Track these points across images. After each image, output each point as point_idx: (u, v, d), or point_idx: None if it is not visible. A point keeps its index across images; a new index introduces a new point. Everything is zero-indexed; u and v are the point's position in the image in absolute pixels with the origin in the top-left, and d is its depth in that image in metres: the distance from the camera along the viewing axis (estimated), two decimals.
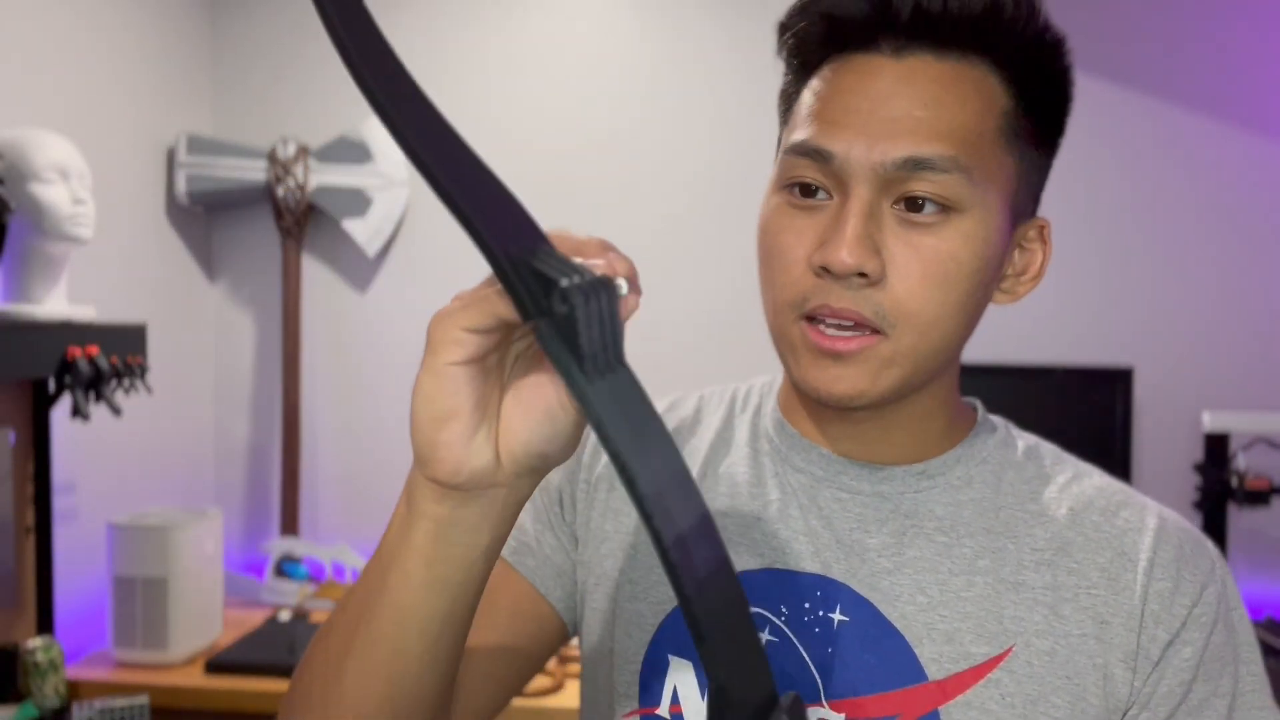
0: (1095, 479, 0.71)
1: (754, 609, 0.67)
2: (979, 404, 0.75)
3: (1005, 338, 2.29)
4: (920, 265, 0.61)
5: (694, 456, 0.75)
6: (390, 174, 2.43)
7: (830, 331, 0.62)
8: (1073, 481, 0.70)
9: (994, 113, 0.62)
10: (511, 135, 2.46)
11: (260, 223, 2.51)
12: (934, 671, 0.64)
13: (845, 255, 0.59)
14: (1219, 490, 2.12)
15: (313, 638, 0.61)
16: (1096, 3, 2.35)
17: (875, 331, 0.61)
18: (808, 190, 0.63)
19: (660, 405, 0.79)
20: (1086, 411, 2.21)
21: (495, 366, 0.47)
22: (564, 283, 0.37)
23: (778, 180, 0.65)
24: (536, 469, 0.48)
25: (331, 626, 0.59)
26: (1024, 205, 0.66)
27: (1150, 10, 2.34)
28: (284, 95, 2.52)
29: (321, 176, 2.41)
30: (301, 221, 2.43)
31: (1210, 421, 2.14)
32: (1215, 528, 2.12)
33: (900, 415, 0.68)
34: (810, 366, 0.63)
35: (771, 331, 0.66)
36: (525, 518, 0.75)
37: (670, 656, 0.69)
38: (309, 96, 2.51)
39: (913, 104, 0.61)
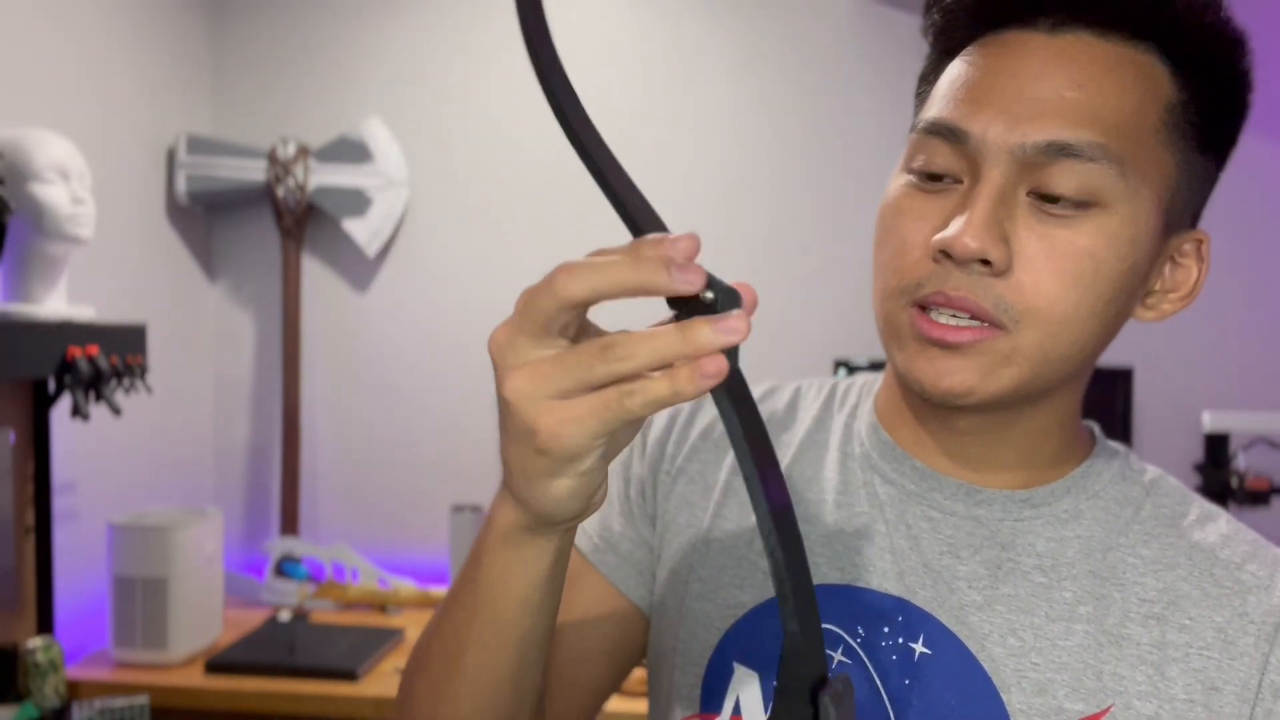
0: (1221, 525, 0.64)
1: (828, 625, 0.62)
2: (1097, 428, 0.70)
3: None
4: (1052, 259, 0.55)
5: (783, 452, 0.70)
6: (390, 174, 2.43)
7: (943, 320, 0.57)
8: (1195, 525, 0.63)
9: (1157, 104, 0.57)
10: (512, 136, 2.46)
11: (260, 223, 2.51)
12: None
13: (969, 239, 0.54)
14: (1219, 490, 2.12)
15: (404, 678, 0.65)
16: None
17: (995, 325, 0.56)
18: (936, 176, 0.58)
19: (756, 392, 0.74)
20: (1086, 411, 2.20)
21: None
22: (708, 295, 0.39)
23: (906, 160, 0.60)
24: None
25: (426, 662, 0.61)
26: (1181, 213, 0.60)
27: None
28: (284, 95, 2.52)
29: (321, 176, 2.41)
30: (301, 221, 2.43)
31: (1210, 421, 2.14)
32: None
33: (1010, 429, 0.62)
34: (917, 356, 0.58)
35: (878, 319, 0.61)
36: (609, 510, 0.73)
37: (736, 664, 0.64)
38: (309, 96, 2.51)
39: (1064, 84, 0.55)
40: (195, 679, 1.85)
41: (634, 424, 0.44)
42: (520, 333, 0.42)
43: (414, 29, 2.49)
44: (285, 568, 2.35)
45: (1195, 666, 0.58)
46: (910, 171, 0.60)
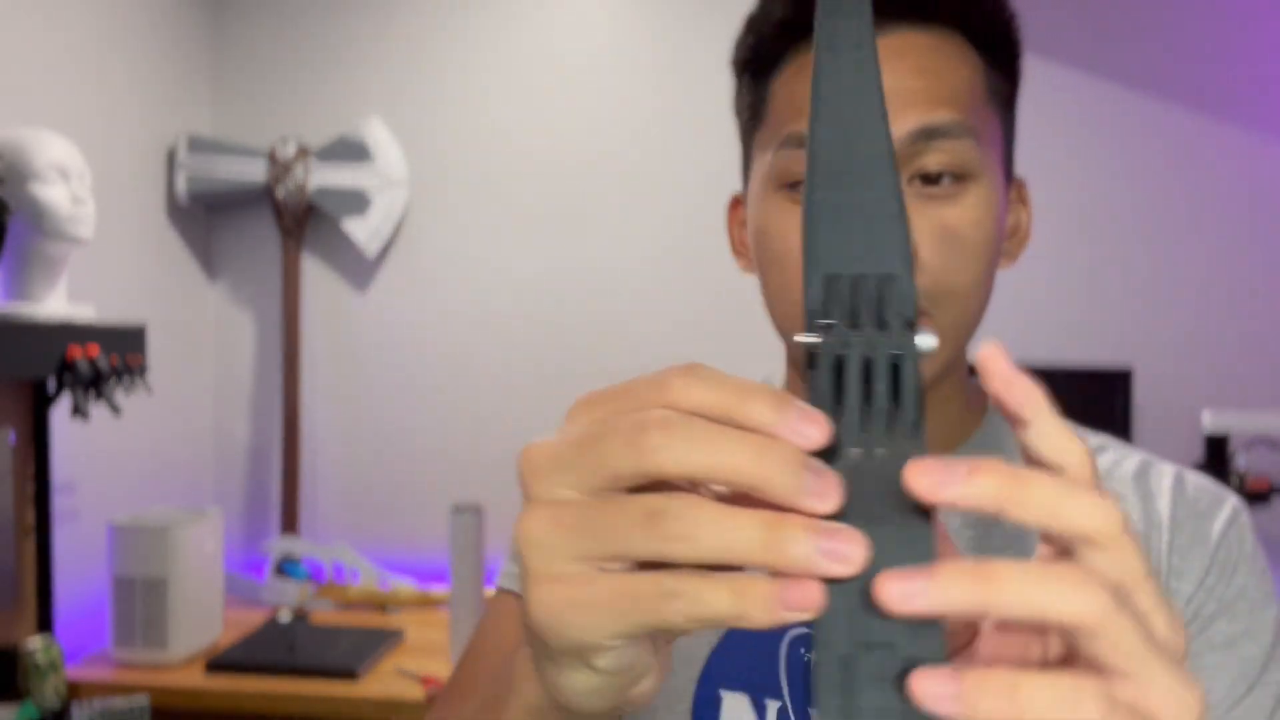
0: (1111, 453, 0.69)
1: (801, 630, 0.63)
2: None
3: (1006, 338, 2.29)
4: (947, 238, 0.59)
5: None
6: (390, 174, 2.43)
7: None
8: (1095, 452, 0.69)
9: (978, 77, 0.62)
10: (512, 136, 2.46)
11: (260, 223, 2.51)
12: None
13: None
14: None
15: None
16: (1098, 3, 2.35)
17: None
18: None
19: None
20: (1086, 411, 2.21)
21: None
22: (835, 318, 0.31)
23: (774, 179, 0.62)
24: None
25: None
26: (1010, 166, 0.66)
27: (1152, 10, 2.34)
28: (284, 95, 2.52)
29: (321, 176, 2.41)
30: (301, 221, 2.43)
31: (1210, 421, 2.14)
32: None
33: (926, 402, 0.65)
34: None
35: (791, 334, 0.63)
36: None
37: (721, 691, 0.64)
38: (309, 96, 2.51)
39: (909, 76, 0.59)
40: (195, 679, 1.85)
41: (669, 633, 0.30)
42: (564, 469, 0.31)
43: (414, 29, 2.49)
44: (285, 568, 2.35)
45: None
46: (787, 188, 0.61)
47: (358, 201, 2.42)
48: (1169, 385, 2.33)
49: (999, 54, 0.64)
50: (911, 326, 0.30)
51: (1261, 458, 2.18)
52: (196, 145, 2.37)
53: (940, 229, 0.59)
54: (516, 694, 0.39)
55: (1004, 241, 0.65)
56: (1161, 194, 2.35)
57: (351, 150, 2.42)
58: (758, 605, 0.28)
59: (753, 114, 0.66)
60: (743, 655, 0.64)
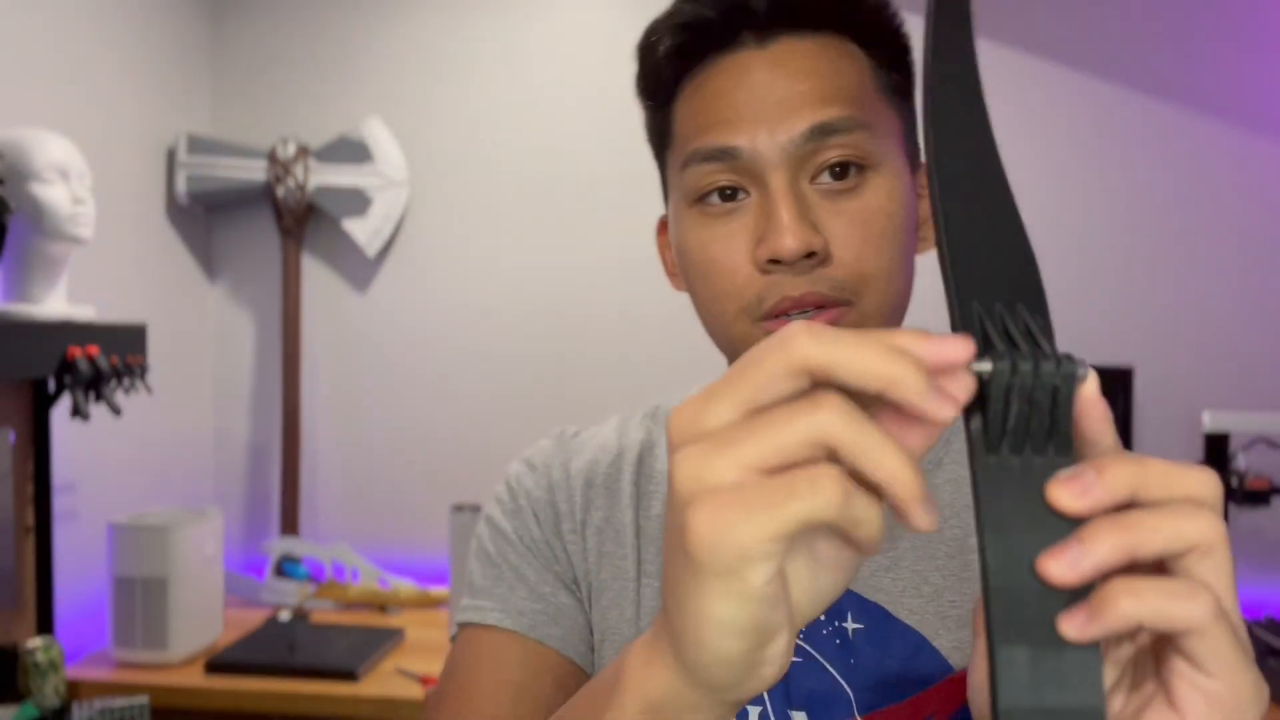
0: None
1: None
2: None
3: None
4: (858, 228, 0.61)
5: (665, 481, 0.70)
6: (390, 174, 2.43)
7: (796, 319, 0.60)
8: None
9: (866, 73, 0.64)
10: (512, 136, 2.46)
11: (260, 223, 2.51)
12: (958, 660, 0.62)
13: (790, 240, 0.59)
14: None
15: None
16: (1100, 4, 2.35)
17: (840, 304, 0.61)
18: (725, 194, 0.62)
19: (608, 431, 0.77)
20: None
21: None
22: (998, 345, 0.33)
23: (687, 196, 0.65)
24: None
25: None
26: (914, 154, 0.68)
27: (1153, 11, 2.34)
28: (284, 95, 2.52)
29: (321, 176, 2.41)
30: (301, 221, 2.43)
31: (1210, 421, 2.14)
32: None
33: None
34: None
35: (727, 342, 0.65)
36: (534, 584, 0.70)
37: None
38: (309, 96, 2.51)
39: (794, 80, 0.62)
40: (195, 679, 1.85)
41: (831, 522, 0.32)
42: (718, 399, 0.33)
43: (414, 29, 2.49)
44: (285, 568, 2.35)
45: None
46: (699, 203, 0.64)
47: (358, 201, 2.42)
48: (1169, 385, 2.33)
49: (884, 50, 0.65)
50: (1069, 357, 0.34)
51: (1261, 458, 2.18)
52: (196, 145, 2.37)
53: (848, 220, 0.61)
54: (633, 694, 0.38)
55: (919, 228, 0.67)
56: (1162, 194, 2.35)
57: (351, 150, 2.42)
58: (876, 518, 0.32)
59: (661, 139, 0.69)
60: None
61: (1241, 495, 2.09)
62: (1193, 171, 2.34)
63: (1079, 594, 0.32)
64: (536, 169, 2.45)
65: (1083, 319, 2.36)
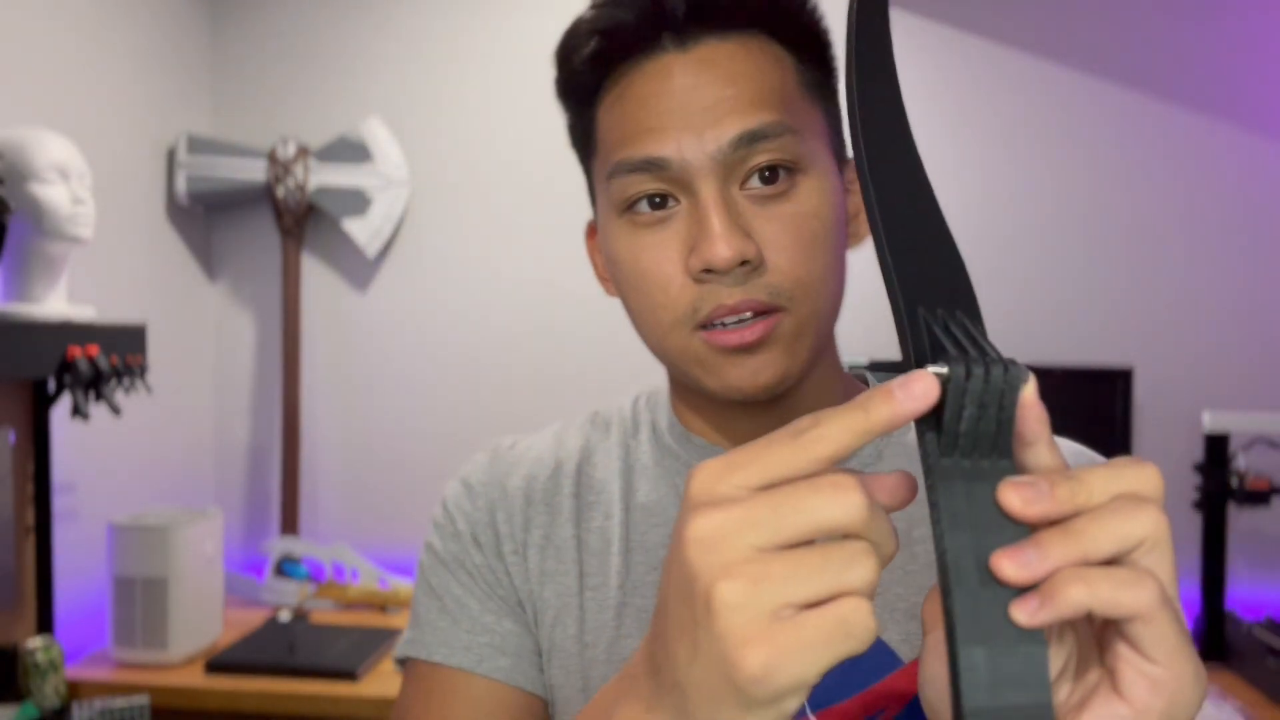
0: None
1: None
2: (868, 374, 0.73)
3: (1005, 338, 2.29)
4: (790, 233, 0.60)
5: (609, 490, 0.72)
6: (390, 174, 2.43)
7: (731, 326, 0.60)
8: None
9: (788, 74, 0.63)
10: (512, 136, 2.46)
11: (260, 223, 2.51)
12: (907, 652, 0.62)
13: (723, 249, 0.58)
14: (1219, 490, 2.12)
15: None
16: (1100, 4, 2.35)
17: (775, 311, 0.61)
18: (654, 202, 0.62)
19: (542, 442, 0.76)
20: (1086, 411, 2.21)
21: None
22: (951, 352, 0.35)
23: (615, 206, 0.64)
24: None
25: None
26: (840, 150, 0.67)
27: (1153, 11, 2.34)
28: (284, 95, 2.52)
29: (321, 176, 2.41)
30: (301, 221, 2.43)
31: (1210, 421, 2.14)
32: (1215, 528, 2.12)
33: (796, 400, 0.66)
34: (728, 369, 0.61)
35: (664, 353, 0.65)
36: (477, 615, 0.70)
37: None
38: (309, 96, 2.51)
39: (719, 85, 0.61)
40: (195, 679, 1.85)
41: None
42: (753, 528, 0.34)
43: (414, 29, 2.49)
44: (285, 568, 2.35)
45: None
46: (628, 211, 0.63)
47: (358, 201, 2.42)
48: (1169, 385, 2.33)
49: (807, 48, 0.65)
50: (1013, 362, 0.35)
51: (1261, 458, 2.18)
52: (196, 145, 2.37)
53: (780, 225, 0.60)
54: None
55: (848, 225, 0.66)
56: (1162, 194, 2.35)
57: (351, 150, 2.42)
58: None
59: (585, 144, 0.68)
60: None
61: (1241, 495, 2.08)
62: (1193, 171, 2.34)
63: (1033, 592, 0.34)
64: (536, 169, 2.45)
65: (1083, 319, 2.36)
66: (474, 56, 2.48)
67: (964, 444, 0.35)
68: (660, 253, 0.62)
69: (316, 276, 2.51)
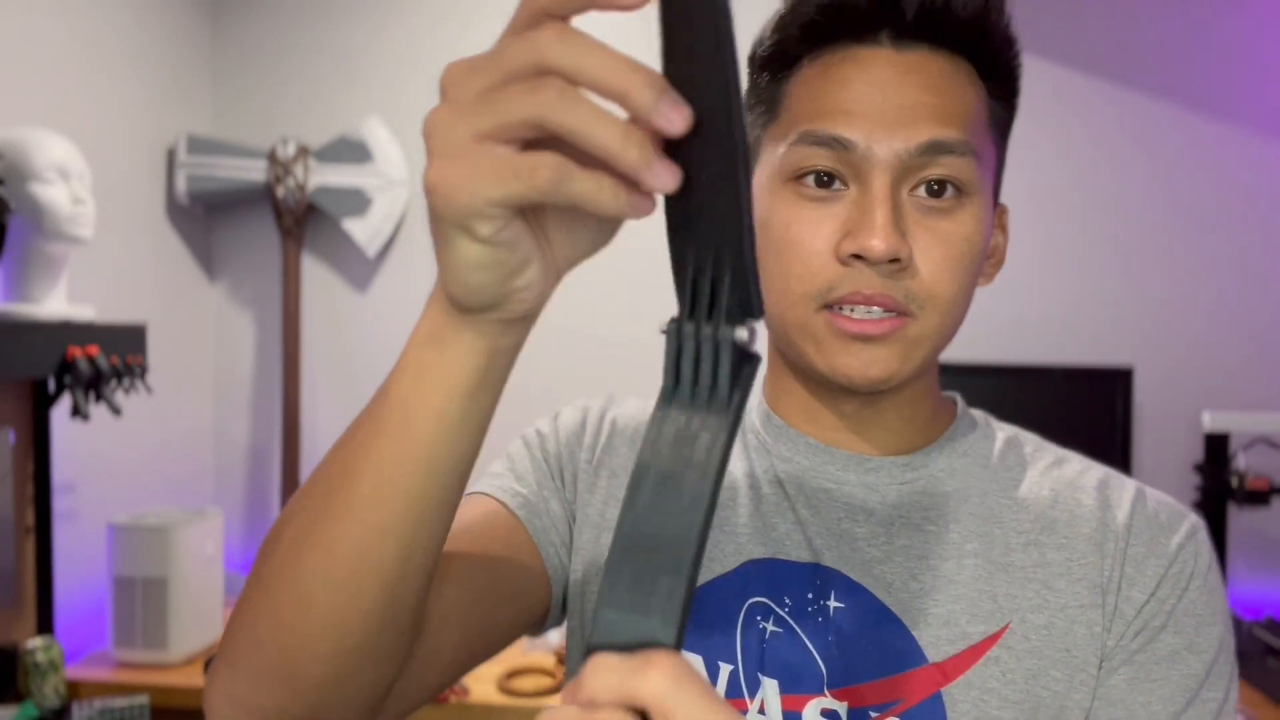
0: (1075, 464, 0.72)
1: (759, 599, 0.67)
2: (959, 397, 0.77)
3: (1005, 338, 2.29)
4: (942, 248, 0.62)
5: None
6: (390, 174, 2.43)
7: (859, 314, 0.62)
8: (1053, 467, 0.72)
9: (982, 104, 0.65)
10: None
11: (260, 223, 2.51)
12: (934, 654, 0.64)
13: (879, 242, 0.60)
14: (1219, 490, 2.12)
15: (265, 544, 0.53)
16: (1100, 4, 2.35)
17: (904, 314, 0.62)
18: (822, 179, 0.63)
19: (628, 407, 0.79)
20: (1086, 411, 2.21)
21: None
22: (684, 312, 0.38)
23: (783, 172, 0.65)
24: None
25: (301, 504, 0.51)
26: (998, 192, 0.70)
27: (1153, 11, 2.34)
28: (284, 95, 2.52)
29: (321, 176, 2.41)
30: (301, 221, 2.43)
31: (1210, 421, 2.14)
32: (1215, 528, 2.12)
33: (892, 401, 0.69)
34: (840, 353, 0.63)
35: (783, 323, 0.66)
36: (530, 479, 0.74)
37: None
38: (309, 96, 2.51)
39: (923, 92, 0.62)
40: (195, 679, 1.85)
41: (548, 200, 0.37)
42: (478, 73, 0.37)
43: (414, 29, 2.49)
44: None
45: (1079, 576, 0.66)
46: (794, 181, 0.64)
47: (358, 201, 2.42)
48: (1169, 385, 2.33)
49: (1002, 85, 0.67)
50: (735, 321, 0.37)
51: (1261, 458, 2.18)
52: (196, 145, 2.37)
53: (936, 239, 0.62)
54: (417, 331, 0.46)
55: (985, 261, 0.68)
56: (1162, 194, 2.35)
57: (351, 150, 2.42)
58: (607, 192, 0.36)
59: (767, 109, 0.68)
60: (703, 619, 0.68)
61: (1242, 495, 2.09)
62: (1193, 171, 2.34)
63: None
64: None
65: (1083, 319, 2.36)
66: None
67: (683, 395, 0.38)
68: (815, 228, 0.63)
69: (316, 276, 2.51)
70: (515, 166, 0.36)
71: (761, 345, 0.68)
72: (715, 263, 0.38)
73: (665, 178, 0.36)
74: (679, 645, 0.36)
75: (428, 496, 0.48)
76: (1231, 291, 2.33)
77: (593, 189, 0.36)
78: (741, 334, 0.38)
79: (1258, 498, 2.08)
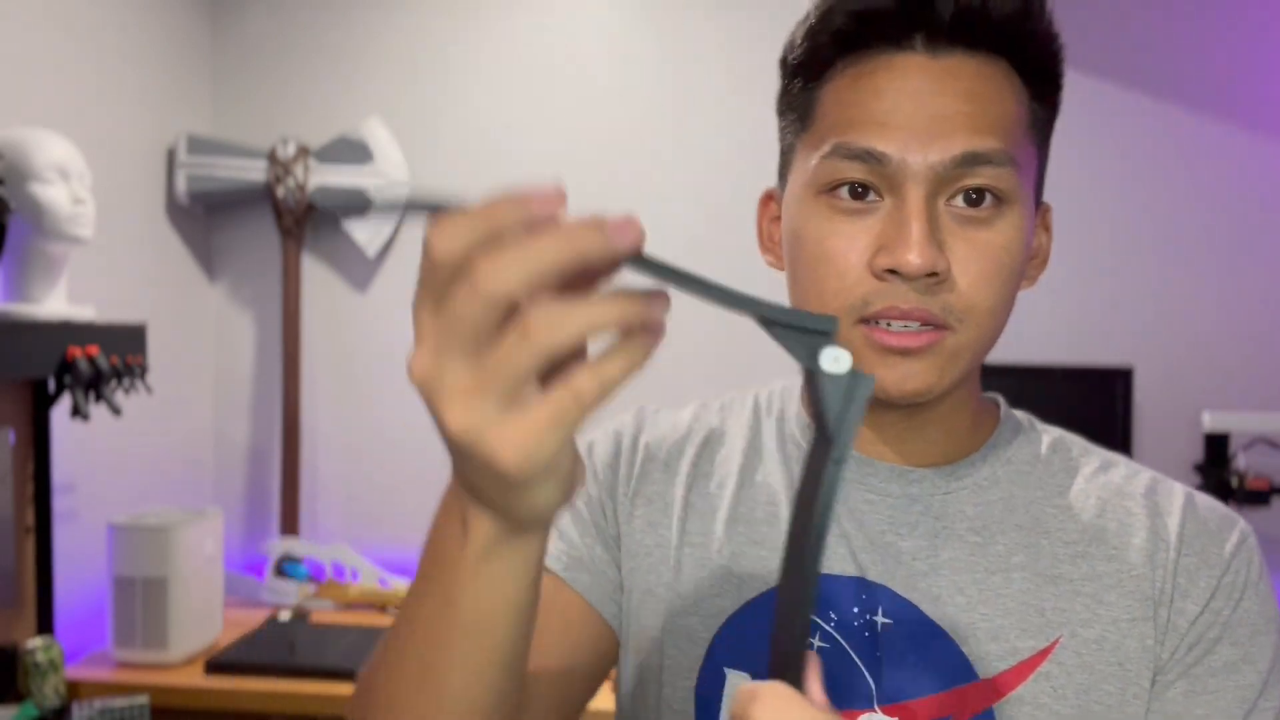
0: (1122, 468, 0.71)
1: None
2: (1001, 399, 0.76)
3: (1005, 337, 2.29)
4: (981, 260, 0.61)
5: (728, 465, 0.74)
6: (390, 174, 2.43)
7: (896, 328, 0.61)
8: (1099, 471, 0.70)
9: (1022, 107, 0.64)
10: (511, 137, 2.46)
11: (260, 223, 2.51)
12: (983, 670, 0.63)
13: (915, 257, 0.58)
14: (1219, 490, 2.12)
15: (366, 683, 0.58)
16: (1101, 3, 2.35)
17: (942, 327, 0.61)
18: (856, 191, 0.62)
19: (685, 414, 0.79)
20: (1086, 411, 2.21)
21: None
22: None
23: (815, 184, 0.63)
24: None
25: (393, 696, 0.55)
26: (1040, 192, 0.68)
27: (1153, 10, 2.34)
28: (284, 95, 2.52)
29: (321, 176, 2.41)
30: (301, 221, 2.43)
31: (1210, 421, 2.14)
32: None
33: (933, 413, 0.68)
34: (878, 366, 0.62)
35: None
36: (571, 531, 0.73)
37: (726, 669, 0.68)
38: (309, 96, 2.51)
39: (958, 100, 0.61)
40: (195, 679, 1.85)
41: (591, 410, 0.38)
42: (445, 352, 0.37)
43: (414, 29, 2.49)
44: (285, 568, 2.35)
45: (1131, 589, 0.65)
46: (827, 193, 0.63)
47: (358, 201, 2.42)
48: (1169, 385, 2.33)
49: (1044, 85, 0.66)
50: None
51: (1261, 458, 2.18)
52: (196, 145, 2.37)
53: (975, 250, 0.61)
54: (459, 543, 0.45)
55: (1027, 264, 0.67)
56: (1162, 194, 2.35)
57: (351, 150, 2.42)
58: (634, 353, 0.37)
59: (799, 116, 0.67)
60: (746, 637, 0.67)
61: (1242, 495, 2.09)
62: (1193, 171, 2.34)
63: None
64: (536, 169, 2.45)
65: (1083, 319, 2.36)
66: (474, 56, 2.48)
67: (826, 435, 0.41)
68: (849, 241, 0.62)
69: (316, 276, 2.51)
70: (562, 402, 0.36)
71: None
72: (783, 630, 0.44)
73: (660, 302, 0.38)
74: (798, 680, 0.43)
75: (510, 676, 0.50)
76: (1231, 291, 2.33)
77: (623, 363, 0.37)
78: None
79: (1258, 498, 2.08)
